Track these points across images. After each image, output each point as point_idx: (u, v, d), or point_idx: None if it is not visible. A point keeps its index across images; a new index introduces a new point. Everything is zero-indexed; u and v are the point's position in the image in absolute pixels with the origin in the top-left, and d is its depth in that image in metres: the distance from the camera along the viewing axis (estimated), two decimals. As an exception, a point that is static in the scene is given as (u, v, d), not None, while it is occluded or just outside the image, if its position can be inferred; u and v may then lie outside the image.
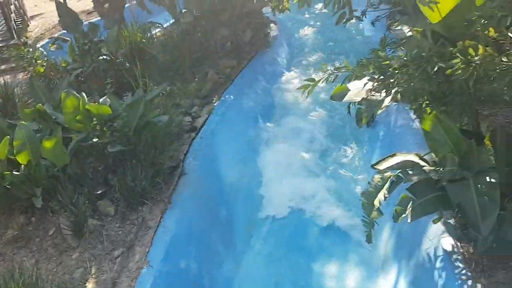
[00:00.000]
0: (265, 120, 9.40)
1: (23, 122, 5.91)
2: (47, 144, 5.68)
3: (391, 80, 3.53)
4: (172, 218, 6.01)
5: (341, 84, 5.09)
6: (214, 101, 9.11)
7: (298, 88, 4.08)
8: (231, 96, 9.38)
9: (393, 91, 3.68)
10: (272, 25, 11.99)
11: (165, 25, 11.27)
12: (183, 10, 10.71)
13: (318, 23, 13.91)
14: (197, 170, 7.07)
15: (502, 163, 4.47)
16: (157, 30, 11.15)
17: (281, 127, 9.16)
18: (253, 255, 6.39)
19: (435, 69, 3.37)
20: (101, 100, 6.80)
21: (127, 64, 9.06)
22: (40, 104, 6.49)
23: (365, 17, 8.04)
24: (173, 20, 11.19)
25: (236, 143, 8.36)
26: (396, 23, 5.44)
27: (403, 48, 5.47)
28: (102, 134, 6.33)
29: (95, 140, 6.26)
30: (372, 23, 10.60)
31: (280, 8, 5.37)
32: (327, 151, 8.33)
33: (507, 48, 3.42)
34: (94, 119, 6.27)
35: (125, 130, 6.42)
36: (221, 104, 8.99)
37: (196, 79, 9.67)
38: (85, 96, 6.27)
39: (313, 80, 3.93)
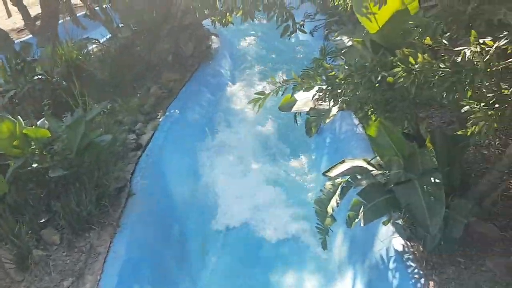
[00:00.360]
0: (212, 132, 9.34)
1: (-49, 152, 5.44)
2: (-19, 174, 5.26)
3: (338, 91, 3.61)
4: (122, 242, 5.75)
5: (289, 95, 5.18)
6: (158, 117, 8.92)
7: (249, 102, 4.08)
8: (176, 110, 9.23)
9: (339, 100, 3.77)
10: (213, 37, 11.98)
11: (102, 40, 10.91)
12: (120, 25, 10.43)
13: (259, 33, 14.11)
14: (145, 189, 6.85)
15: (443, 163, 4.74)
16: (94, 46, 10.76)
17: (228, 138, 9.12)
18: (210, 272, 6.27)
19: (379, 78, 3.49)
20: (38, 122, 6.41)
21: (64, 83, 8.63)
22: (-30, 132, 5.98)
23: (303, 27, 8.27)
24: (110, 35, 10.87)
25: (185, 158, 8.22)
26: (336, 34, 5.61)
27: (343, 58, 5.69)
28: (42, 158, 5.95)
29: (34, 165, 5.87)
30: (311, 33, 10.97)
31: (223, 21, 5.36)
32: (276, 160, 8.41)
33: (442, 54, 3.62)
34: (33, 143, 5.90)
35: (66, 152, 6.09)
36: (166, 119, 8.82)
37: (138, 95, 9.43)
38: (22, 120, 5.88)
39: (263, 93, 3.95)
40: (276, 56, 12.84)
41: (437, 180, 4.42)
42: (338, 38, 5.54)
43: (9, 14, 19.18)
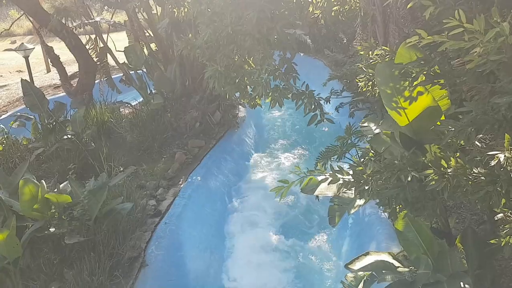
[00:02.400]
0: (233, 203, 9.22)
1: (-27, 211, 5.48)
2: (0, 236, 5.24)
3: (366, 187, 3.50)
4: (130, 320, 5.51)
5: (312, 177, 5.08)
6: (180, 183, 8.90)
7: (271, 190, 3.99)
8: (198, 177, 9.21)
9: (366, 195, 3.64)
10: (240, 107, 12.24)
11: (134, 103, 11.30)
12: (154, 91, 10.81)
13: (285, 106, 14.34)
14: (159, 261, 6.66)
15: (473, 265, 4.45)
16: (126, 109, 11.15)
17: (249, 210, 8.97)
18: None
19: (409, 178, 3.38)
20: (61, 185, 6.47)
21: (93, 144, 8.85)
22: (-6, 190, 6.09)
23: (329, 103, 8.31)
24: (143, 99, 11.26)
25: (203, 229, 8.05)
26: (363, 120, 5.59)
27: (367, 141, 5.62)
28: (60, 223, 5.93)
29: (52, 229, 5.84)
30: (336, 109, 11.08)
31: (252, 104, 5.45)
32: (296, 238, 8.13)
33: (475, 157, 3.50)
34: (53, 207, 5.91)
35: (85, 218, 6.07)
36: (188, 186, 8.77)
37: (163, 159, 9.52)
38: (45, 184, 5.95)
39: (286, 181, 3.86)
40: (300, 128, 12.93)
41: (467, 286, 4.13)
42: (365, 124, 5.51)
43: (48, 69, 20.30)
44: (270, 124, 13.55)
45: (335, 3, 5.37)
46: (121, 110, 10.95)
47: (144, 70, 11.15)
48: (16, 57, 23.09)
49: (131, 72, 11.31)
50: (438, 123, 4.21)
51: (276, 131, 13.01)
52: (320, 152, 6.70)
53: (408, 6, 3.77)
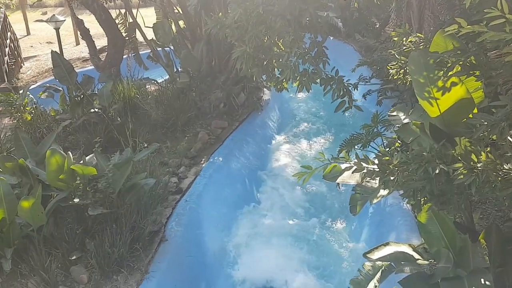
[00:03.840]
0: (253, 185, 9.25)
1: (2, 177, 5.63)
2: (25, 204, 5.40)
3: (391, 178, 3.43)
4: (147, 291, 5.64)
5: (335, 164, 5.02)
6: (202, 162, 8.96)
7: (294, 175, 3.96)
8: (220, 157, 9.25)
9: (391, 186, 3.58)
10: (265, 89, 12.16)
11: (160, 81, 11.35)
12: (180, 70, 10.82)
13: (311, 90, 14.18)
14: (179, 237, 6.77)
15: (495, 263, 4.36)
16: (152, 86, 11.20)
17: (268, 193, 8.99)
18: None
19: (437, 171, 3.30)
20: (87, 158, 6.59)
21: (119, 119, 8.96)
22: (22, 159, 6.23)
23: (357, 89, 8.14)
24: (169, 77, 11.29)
25: (221, 209, 8.13)
26: (392, 109, 5.47)
27: (395, 131, 5.51)
28: (84, 194, 6.06)
29: (76, 200, 5.97)
30: (364, 96, 10.88)
31: (278, 87, 5.38)
32: (314, 223, 8.11)
33: (507, 152, 3.38)
34: (78, 178, 6.03)
35: (109, 191, 6.17)
36: (209, 166, 8.84)
37: (186, 138, 9.58)
38: (71, 155, 6.07)
39: (309, 167, 3.82)
40: (325, 114, 12.79)
41: (487, 283, 4.06)
42: (394, 113, 5.38)
43: (77, 42, 20.53)
44: (294, 108, 13.43)
45: (370, -13, 5.21)
46: (147, 86, 11.01)
47: (172, 47, 11.15)
48: (46, 28, 23.42)
49: (158, 49, 11.33)
50: (471, 115, 4.08)
51: (300, 115, 12.88)
52: (344, 139, 6.61)
53: (448, -7, 3.63)
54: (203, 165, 8.82)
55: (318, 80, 5.01)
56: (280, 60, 4.85)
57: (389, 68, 5.86)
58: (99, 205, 6.04)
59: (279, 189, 9.09)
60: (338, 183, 5.85)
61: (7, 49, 14.55)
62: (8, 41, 15.30)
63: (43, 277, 5.31)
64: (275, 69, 5.14)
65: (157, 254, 6.34)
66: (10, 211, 5.54)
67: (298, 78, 4.87)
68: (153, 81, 10.89)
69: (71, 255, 5.82)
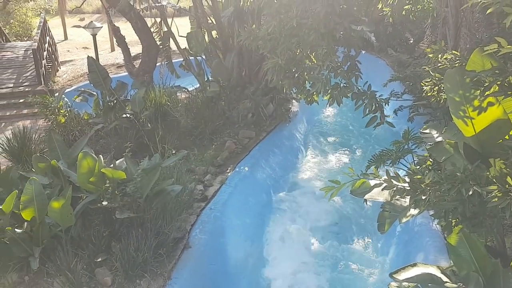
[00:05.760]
0: (278, 196, 9.20)
1: (34, 177, 5.81)
2: (55, 204, 5.54)
3: (423, 197, 3.35)
4: (169, 298, 5.66)
5: (363, 180, 4.94)
6: (228, 171, 8.99)
7: (321, 189, 3.92)
8: (246, 167, 9.27)
9: (422, 206, 3.49)
10: (294, 101, 12.14)
11: (190, 89, 11.51)
12: (210, 79, 10.95)
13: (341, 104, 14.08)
14: (202, 245, 6.79)
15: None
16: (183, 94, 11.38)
17: (292, 205, 8.92)
18: None
19: (470, 192, 3.20)
20: (117, 162, 6.72)
21: (149, 125, 9.12)
22: (54, 160, 6.41)
23: (388, 105, 8.03)
24: (199, 85, 11.45)
25: (245, 218, 8.11)
26: (425, 126, 5.35)
27: (427, 149, 5.38)
28: (112, 197, 6.18)
29: (104, 203, 6.09)
30: (395, 112, 10.69)
31: (309, 100, 5.36)
32: (338, 239, 7.99)
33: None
34: (108, 181, 6.16)
35: (136, 195, 6.27)
36: (235, 175, 8.86)
37: (213, 146, 9.66)
38: (102, 159, 6.20)
39: (338, 182, 3.78)
40: (353, 128, 12.65)
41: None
42: (427, 131, 5.27)
43: (112, 49, 21.10)
44: (323, 121, 13.35)
45: (406, 2, 5.13)
46: (178, 94, 11.19)
47: (204, 57, 11.32)
48: (83, 34, 24.20)
49: (190, 58, 11.52)
50: (507, 137, 3.96)
51: (329, 128, 12.80)
52: (373, 154, 6.51)
53: (488, 11, 3.54)
54: (229, 174, 8.85)
55: (349, 94, 4.97)
56: (312, 73, 4.84)
57: (423, 84, 5.75)
58: (126, 209, 6.14)
59: (305, 202, 9.01)
60: (366, 199, 5.77)
61: (45, 53, 15.08)
62: (46, 45, 15.87)
63: (69, 278, 5.40)
64: (306, 81, 5.12)
65: (180, 260, 6.37)
66: (41, 211, 5.69)
67: (329, 91, 4.84)
68: (184, 89, 11.07)
69: (96, 257, 5.91)
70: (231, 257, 7.08)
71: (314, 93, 4.94)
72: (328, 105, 5.10)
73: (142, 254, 5.87)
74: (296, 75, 4.93)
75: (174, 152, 8.33)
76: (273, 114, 11.08)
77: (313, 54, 4.91)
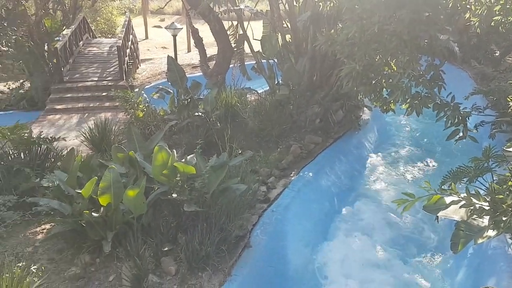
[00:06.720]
0: (341, 205, 9.03)
1: (113, 166, 6.18)
2: (130, 192, 5.85)
3: (503, 218, 3.13)
4: (229, 293, 5.76)
5: (438, 196, 4.71)
6: (292, 175, 8.98)
7: (393, 201, 3.79)
8: (310, 173, 9.20)
9: (502, 227, 3.26)
10: (365, 109, 11.87)
11: (260, 91, 11.67)
12: (281, 82, 11.02)
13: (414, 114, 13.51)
14: (263, 245, 6.83)
15: None
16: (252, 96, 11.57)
17: (357, 216, 8.70)
18: None
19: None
20: (188, 157, 6.97)
21: (219, 124, 9.37)
22: (132, 151, 6.79)
23: (468, 119, 7.60)
24: (269, 88, 11.56)
25: (307, 224, 8.04)
26: (509, 144, 4.99)
27: (509, 168, 5.01)
28: (182, 191, 6.42)
29: (174, 195, 6.34)
30: (475, 127, 10.08)
31: (384, 108, 5.21)
32: (403, 255, 7.66)
33: None
34: (178, 175, 6.41)
35: (203, 191, 6.47)
36: (299, 180, 8.82)
37: (278, 149, 9.70)
38: (175, 153, 6.46)
39: (412, 195, 3.63)
40: (428, 141, 12.10)
41: None
42: (511, 149, 4.91)
43: (189, 49, 21.96)
44: (395, 131, 12.88)
45: (496, 12, 4.82)
46: (248, 96, 11.40)
47: (276, 60, 11.42)
48: (162, 34, 25.41)
49: (262, 61, 11.68)
50: None
51: (401, 139, 12.32)
52: (449, 171, 6.18)
53: None
54: (293, 178, 8.84)
55: (430, 105, 4.75)
56: (391, 80, 4.70)
57: (508, 100, 5.39)
58: (193, 203, 6.35)
59: (369, 213, 8.76)
60: (438, 216, 5.49)
61: (128, 50, 16.04)
62: (129, 43, 16.87)
63: (137, 263, 5.67)
64: (383, 89, 4.98)
65: (241, 258, 6.46)
66: (116, 198, 6.04)
67: (408, 100, 4.67)
68: (253, 91, 11.24)
69: (163, 246, 6.17)
70: (291, 261, 7.05)
71: (392, 101, 4.78)
72: (406, 115, 4.91)
73: (205, 247, 6.03)
74: (374, 81, 4.81)
75: (240, 152, 8.50)
76: (342, 121, 10.91)
77: (394, 61, 4.76)
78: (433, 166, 10.71)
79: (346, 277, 6.99)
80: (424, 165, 10.81)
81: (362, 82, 4.77)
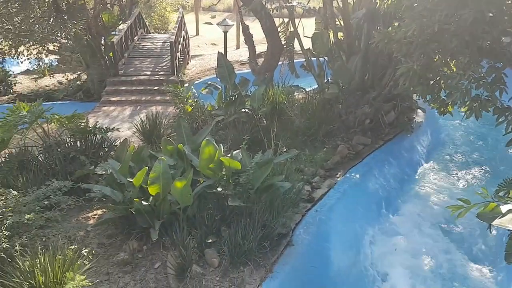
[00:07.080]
0: (389, 209, 8.79)
1: (163, 157, 6.35)
2: (178, 184, 5.98)
3: None
4: (270, 289, 5.75)
5: (494, 204, 4.47)
6: (338, 176, 8.84)
7: (448, 207, 3.63)
8: (357, 174, 9.01)
9: None
10: (419, 111, 11.46)
11: (308, 89, 11.56)
12: (330, 81, 10.86)
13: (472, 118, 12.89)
14: (305, 245, 6.77)
15: None
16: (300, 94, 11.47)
17: (405, 222, 8.44)
18: None
19: None
20: (234, 152, 7.03)
21: (265, 121, 9.38)
22: (181, 144, 6.94)
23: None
24: (317, 86, 11.42)
25: (352, 227, 7.88)
26: None
27: None
28: (227, 185, 6.49)
29: (219, 189, 6.43)
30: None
31: (442, 110, 5.00)
32: (454, 263, 7.36)
33: None
34: (224, 170, 6.48)
35: (248, 186, 6.50)
36: (345, 181, 8.66)
37: (325, 149, 9.58)
38: (222, 148, 6.54)
39: (468, 201, 3.46)
40: (484, 148, 11.52)
41: None
42: None
43: (238, 46, 22.16)
44: (450, 135, 12.37)
45: None
46: (295, 94, 11.32)
47: (326, 58, 11.26)
48: (212, 30, 25.81)
49: (312, 59, 11.55)
50: None
51: (456, 144, 11.82)
52: (504, 179, 5.87)
53: None
54: (339, 178, 8.70)
55: (490, 109, 4.51)
56: (450, 81, 4.49)
57: None
58: (238, 198, 6.40)
59: (418, 219, 8.48)
60: (491, 226, 5.22)
61: (179, 46, 16.40)
62: (181, 39, 17.25)
63: (182, 253, 5.79)
64: (442, 90, 4.77)
65: (282, 256, 6.43)
66: (165, 188, 6.20)
67: (468, 103, 4.45)
68: (301, 89, 11.15)
69: (207, 238, 6.26)
70: (334, 263, 6.93)
71: (450, 103, 4.57)
72: (464, 118, 4.68)
73: (248, 242, 6.05)
74: (432, 82, 4.62)
75: (285, 150, 8.46)
76: (394, 123, 10.59)
77: (453, 62, 4.55)
78: (488, 173, 10.19)
79: (391, 283, 6.81)
80: (478, 172, 10.31)
81: (419, 82, 4.59)
